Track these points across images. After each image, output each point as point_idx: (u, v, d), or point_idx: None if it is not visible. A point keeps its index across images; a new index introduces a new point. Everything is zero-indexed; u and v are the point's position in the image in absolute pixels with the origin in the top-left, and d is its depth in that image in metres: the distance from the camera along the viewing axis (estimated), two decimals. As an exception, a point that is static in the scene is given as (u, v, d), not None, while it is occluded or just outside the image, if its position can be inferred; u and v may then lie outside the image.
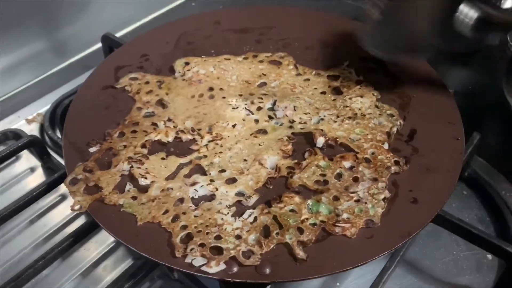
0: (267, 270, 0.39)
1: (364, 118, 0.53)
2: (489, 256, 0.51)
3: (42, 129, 0.66)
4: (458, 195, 0.57)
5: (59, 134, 0.64)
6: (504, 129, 0.66)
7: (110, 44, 0.70)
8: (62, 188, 0.57)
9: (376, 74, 0.59)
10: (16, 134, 0.62)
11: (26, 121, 0.67)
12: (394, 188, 0.46)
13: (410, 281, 0.50)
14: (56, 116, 0.66)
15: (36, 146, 0.59)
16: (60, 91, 0.70)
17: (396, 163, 0.48)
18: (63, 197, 0.57)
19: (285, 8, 0.72)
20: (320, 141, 0.50)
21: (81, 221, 0.54)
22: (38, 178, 0.60)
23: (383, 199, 0.44)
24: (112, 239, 0.52)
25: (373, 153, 0.49)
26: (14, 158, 0.61)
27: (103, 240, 0.52)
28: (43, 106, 0.69)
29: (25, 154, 0.62)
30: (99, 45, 0.72)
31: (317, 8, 0.86)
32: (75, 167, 0.47)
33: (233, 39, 0.65)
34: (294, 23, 0.67)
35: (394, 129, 0.52)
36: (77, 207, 0.44)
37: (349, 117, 0.53)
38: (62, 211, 0.56)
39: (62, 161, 0.58)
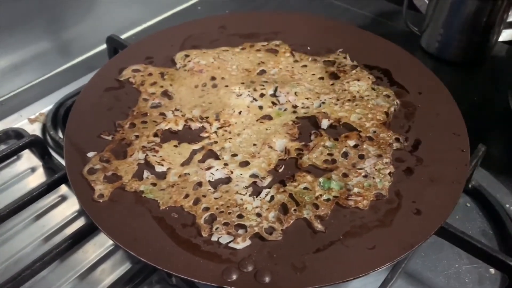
0: (267, 279, 0.39)
1: (362, 100, 0.56)
2: (492, 270, 0.50)
3: (44, 129, 0.65)
4: (461, 207, 0.56)
5: (61, 135, 0.63)
6: (509, 141, 0.66)
7: (115, 45, 0.70)
8: (62, 189, 0.57)
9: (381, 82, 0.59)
10: (17, 133, 0.61)
11: (28, 121, 0.67)
12: (397, 198, 0.45)
13: (411, 293, 0.49)
14: (59, 117, 0.65)
15: (38, 146, 0.58)
16: (63, 91, 0.70)
17: (397, 140, 0.51)
18: (63, 198, 0.57)
19: (291, 14, 0.71)
20: (325, 123, 0.53)
21: (80, 222, 0.54)
22: (38, 178, 0.59)
23: (389, 174, 0.47)
24: (110, 242, 0.52)
25: (374, 132, 0.52)
26: (15, 157, 0.60)
27: (101, 243, 0.52)
28: (46, 106, 0.68)
29: (26, 154, 0.61)
30: (104, 46, 0.72)
31: (323, 15, 0.86)
32: (75, 168, 0.47)
33: (239, 44, 0.65)
34: (300, 30, 0.67)
35: (392, 109, 0.54)
36: (98, 195, 0.45)
37: (349, 100, 0.56)
38: (62, 212, 0.55)
39: (63, 162, 0.58)
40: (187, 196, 0.46)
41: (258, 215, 0.44)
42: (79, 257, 0.51)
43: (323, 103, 0.56)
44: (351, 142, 0.51)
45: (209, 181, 0.47)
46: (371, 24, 0.87)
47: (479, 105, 0.71)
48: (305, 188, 0.46)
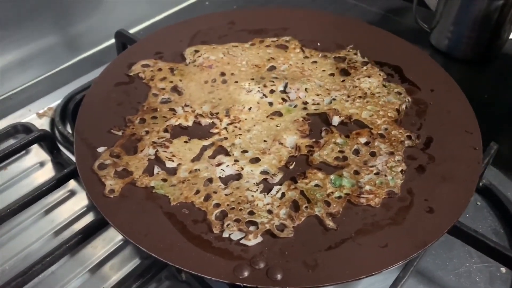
0: (279, 276, 0.39)
1: (373, 97, 0.55)
2: (503, 269, 0.50)
3: (52, 123, 0.65)
4: (472, 206, 0.56)
5: (69, 129, 0.63)
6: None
7: (123, 40, 0.69)
8: (71, 184, 0.57)
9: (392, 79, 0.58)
10: (26, 128, 0.61)
11: (37, 115, 0.66)
12: (410, 196, 0.45)
13: (421, 292, 0.49)
14: (67, 111, 0.65)
15: (46, 140, 0.58)
16: (72, 86, 0.70)
17: (409, 137, 0.50)
18: (72, 193, 0.56)
19: (301, 10, 0.71)
20: (336, 120, 0.53)
21: (89, 218, 0.54)
22: (47, 173, 0.59)
23: (401, 171, 0.47)
24: (120, 237, 0.51)
25: (386, 129, 0.51)
26: (24, 152, 0.60)
27: (111, 238, 0.51)
28: (54, 100, 0.68)
29: (35, 149, 0.61)
30: (113, 41, 0.72)
31: (331, 11, 0.86)
32: (86, 163, 0.47)
33: (248, 40, 0.64)
34: (310, 26, 0.66)
35: (403, 106, 0.54)
36: (108, 190, 0.45)
37: (360, 97, 0.55)
38: (71, 207, 0.55)
39: (71, 157, 0.58)
40: (197, 192, 0.45)
41: (269, 212, 0.44)
42: (89, 252, 0.51)
43: (334, 99, 0.55)
44: (363, 139, 0.50)
45: (219, 177, 0.47)
46: (380, 20, 0.86)
47: (489, 102, 0.70)
48: (316, 185, 0.46)
